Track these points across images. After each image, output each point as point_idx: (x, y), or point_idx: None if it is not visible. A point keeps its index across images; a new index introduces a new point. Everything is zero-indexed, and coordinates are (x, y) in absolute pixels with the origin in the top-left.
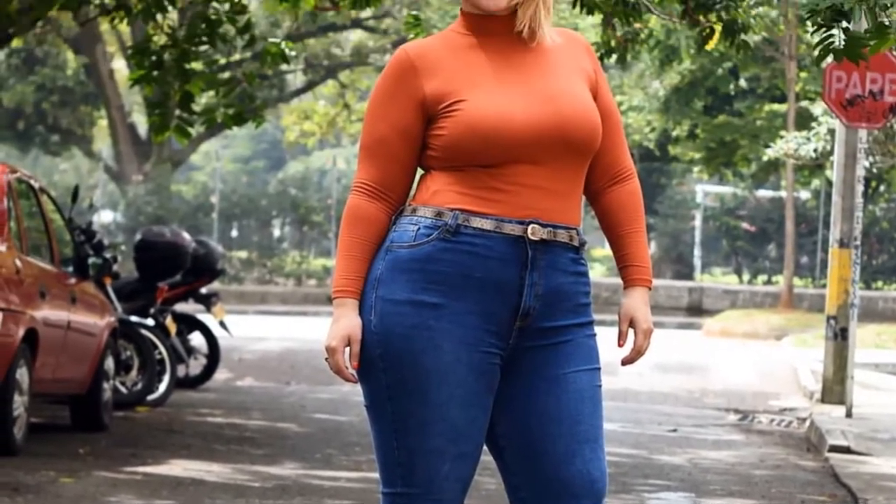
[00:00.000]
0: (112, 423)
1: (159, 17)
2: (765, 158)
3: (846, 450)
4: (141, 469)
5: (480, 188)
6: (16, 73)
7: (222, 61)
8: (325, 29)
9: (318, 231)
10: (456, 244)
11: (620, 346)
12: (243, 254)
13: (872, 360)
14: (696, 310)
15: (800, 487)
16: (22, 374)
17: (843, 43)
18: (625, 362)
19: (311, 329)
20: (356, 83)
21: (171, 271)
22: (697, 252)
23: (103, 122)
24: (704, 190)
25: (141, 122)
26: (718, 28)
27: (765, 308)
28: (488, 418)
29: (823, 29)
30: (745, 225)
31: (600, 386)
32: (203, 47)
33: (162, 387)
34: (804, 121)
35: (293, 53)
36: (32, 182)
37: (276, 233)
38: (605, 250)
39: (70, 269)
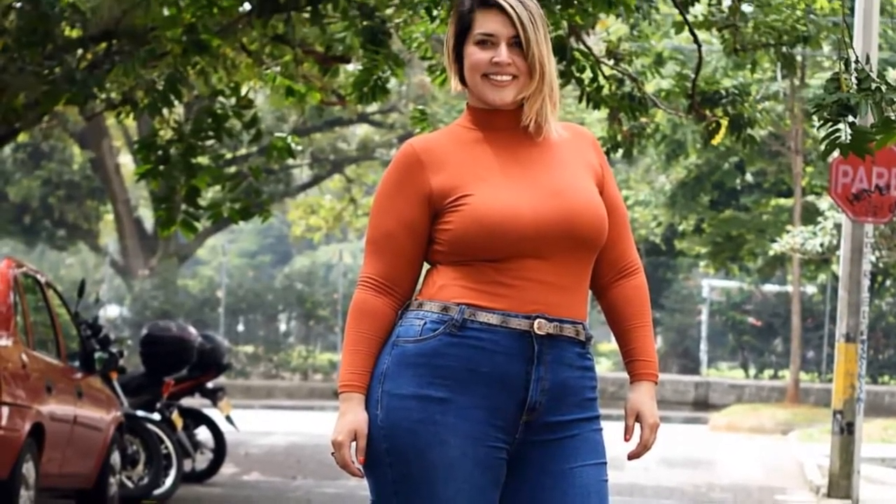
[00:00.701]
0: None
1: (165, 111)
2: (771, 253)
3: None
4: None
5: (486, 283)
6: (22, 167)
7: (228, 156)
8: (332, 123)
9: (325, 326)
10: (462, 339)
11: (627, 440)
12: (249, 348)
13: (879, 455)
14: (703, 404)
15: None
16: (28, 469)
17: (849, 137)
18: (631, 457)
19: (317, 423)
20: (362, 178)
21: (178, 366)
22: (703, 346)
23: (109, 217)
24: (710, 284)
25: (147, 216)
26: (725, 122)
27: (771, 403)
28: None
29: (829, 123)
30: (751, 319)
31: (606, 480)
32: (209, 142)
33: (168, 481)
34: (810, 215)
35: (299, 148)
36: (38, 277)
37: (283, 327)
38: (611, 345)
39: (76, 363)
